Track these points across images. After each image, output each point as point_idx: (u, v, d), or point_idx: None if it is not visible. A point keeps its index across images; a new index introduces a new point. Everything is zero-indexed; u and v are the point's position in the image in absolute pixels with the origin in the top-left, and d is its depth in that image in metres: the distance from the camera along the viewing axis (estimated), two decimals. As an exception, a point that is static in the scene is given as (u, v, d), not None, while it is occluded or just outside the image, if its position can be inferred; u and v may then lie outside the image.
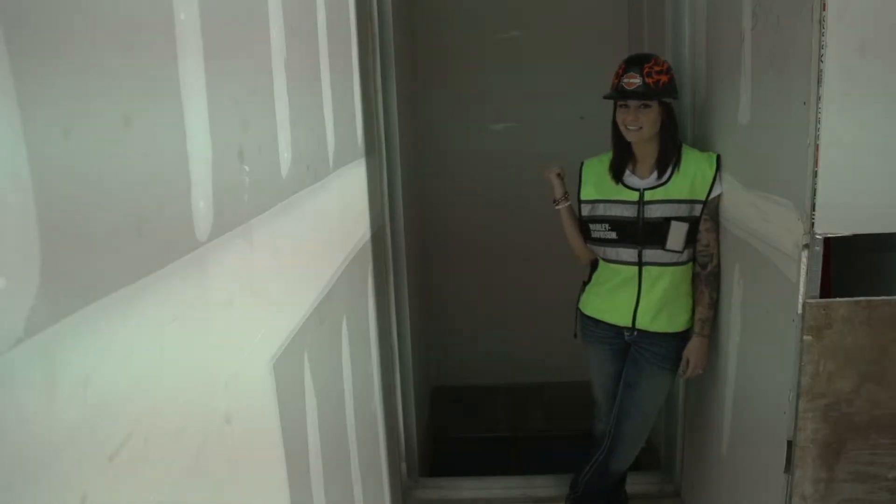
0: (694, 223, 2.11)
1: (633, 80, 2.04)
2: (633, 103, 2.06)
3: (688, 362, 2.21)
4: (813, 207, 1.49)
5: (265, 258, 1.14)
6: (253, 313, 1.08)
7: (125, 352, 0.70)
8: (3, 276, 0.52)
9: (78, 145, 0.63)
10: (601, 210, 2.20)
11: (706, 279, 2.15)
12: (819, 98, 1.45)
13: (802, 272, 1.54)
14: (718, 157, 2.10)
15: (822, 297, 1.54)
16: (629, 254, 2.18)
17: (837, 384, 1.56)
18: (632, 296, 2.21)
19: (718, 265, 2.14)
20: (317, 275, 1.51)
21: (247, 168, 1.05)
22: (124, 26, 0.72)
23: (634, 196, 2.14)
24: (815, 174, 1.48)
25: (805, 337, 1.55)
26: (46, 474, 0.58)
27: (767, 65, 1.73)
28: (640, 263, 2.17)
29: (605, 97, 2.15)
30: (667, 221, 2.10)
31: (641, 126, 2.06)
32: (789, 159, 1.60)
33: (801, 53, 1.51)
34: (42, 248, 0.57)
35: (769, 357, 1.76)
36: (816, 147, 1.47)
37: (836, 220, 1.50)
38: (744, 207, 1.94)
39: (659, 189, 2.12)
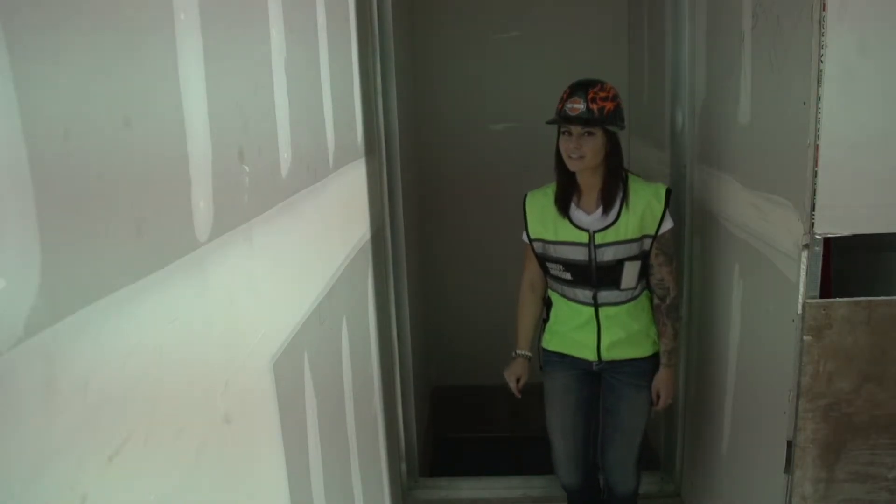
0: (645, 258, 2.06)
1: (577, 106, 1.93)
2: (575, 130, 1.95)
3: (657, 394, 2.16)
4: (813, 207, 1.49)
5: (265, 258, 1.14)
6: (253, 313, 1.08)
7: (125, 352, 0.70)
8: (3, 276, 0.52)
9: (78, 145, 0.63)
10: (552, 251, 2.12)
11: (667, 311, 2.11)
12: (819, 98, 1.45)
13: (802, 272, 1.54)
14: (668, 191, 2.04)
15: (822, 297, 1.54)
16: (585, 294, 2.11)
17: (837, 384, 1.56)
18: (592, 334, 2.15)
19: (678, 296, 2.13)
20: (317, 275, 1.51)
21: (247, 168, 1.05)
22: (124, 26, 0.72)
23: (584, 237, 2.05)
24: (815, 174, 1.48)
25: (805, 337, 1.55)
26: (46, 474, 0.58)
27: (767, 65, 1.73)
28: (596, 304, 2.11)
29: (548, 122, 2.04)
30: (620, 263, 2.04)
31: (584, 154, 1.95)
32: (789, 159, 1.60)
33: (801, 53, 1.51)
34: (42, 248, 0.57)
35: (769, 357, 1.76)
36: (816, 147, 1.47)
37: (836, 220, 1.50)
38: (744, 207, 1.94)
39: (609, 230, 2.03)
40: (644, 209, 2.02)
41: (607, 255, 2.03)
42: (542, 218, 2.12)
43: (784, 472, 1.64)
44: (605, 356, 2.15)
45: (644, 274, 2.08)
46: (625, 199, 2.02)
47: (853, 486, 1.61)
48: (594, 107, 1.93)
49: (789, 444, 1.62)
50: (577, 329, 2.16)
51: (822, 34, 1.42)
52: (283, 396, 1.20)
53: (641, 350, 2.15)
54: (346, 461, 1.75)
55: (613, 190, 2.02)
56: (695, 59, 2.40)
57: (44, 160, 0.57)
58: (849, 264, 1.81)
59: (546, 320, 2.29)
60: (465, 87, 3.82)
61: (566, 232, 2.07)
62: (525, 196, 2.20)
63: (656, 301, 2.13)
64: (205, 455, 0.87)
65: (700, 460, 2.47)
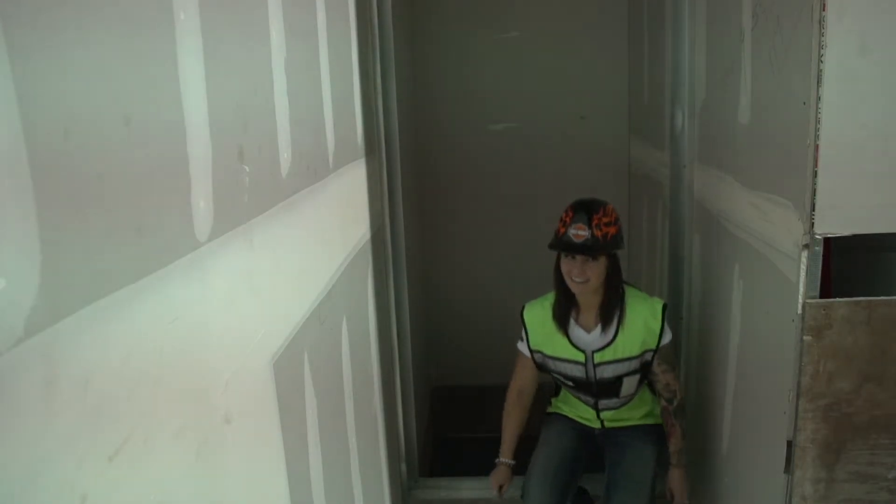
0: (646, 368, 2.12)
1: (582, 233, 1.94)
2: (580, 256, 1.97)
3: (671, 494, 2.20)
4: (813, 207, 1.49)
5: (265, 258, 1.14)
6: (253, 313, 1.08)
7: (125, 352, 0.70)
8: (3, 276, 0.52)
9: (78, 145, 0.63)
10: (551, 365, 2.18)
11: (675, 413, 2.15)
12: (819, 98, 1.45)
13: (802, 272, 1.54)
14: (664, 307, 2.09)
15: (821, 297, 1.54)
16: (586, 399, 2.22)
17: (837, 384, 1.56)
18: (596, 422, 2.27)
19: (683, 397, 2.18)
20: (317, 275, 1.51)
21: (247, 168, 1.05)
22: (124, 26, 0.72)
23: (581, 357, 2.10)
24: (815, 174, 1.48)
25: (805, 337, 1.54)
26: (46, 474, 0.58)
27: (767, 65, 1.73)
28: (598, 409, 2.22)
29: (551, 247, 2.04)
30: (619, 379, 2.11)
31: (588, 279, 1.98)
32: (789, 159, 1.60)
33: (800, 53, 1.51)
34: (42, 248, 0.57)
35: (769, 357, 1.75)
36: (816, 147, 1.47)
37: (836, 220, 1.50)
38: (743, 207, 1.94)
39: (607, 349, 2.07)
40: (642, 327, 2.07)
41: (607, 373, 2.10)
42: (542, 331, 2.16)
43: (784, 472, 1.64)
44: (609, 425, 2.25)
45: (643, 380, 2.17)
46: (621, 316, 2.07)
47: (853, 486, 1.61)
48: (598, 233, 1.95)
49: (789, 444, 1.62)
50: (581, 413, 2.29)
51: (822, 34, 1.42)
52: (283, 396, 1.20)
53: (645, 419, 2.25)
54: (346, 461, 1.75)
55: (612, 308, 2.07)
56: (695, 59, 2.40)
57: (44, 160, 0.57)
58: (849, 264, 1.81)
59: (555, 395, 2.39)
60: (465, 88, 3.82)
61: (564, 349, 2.12)
62: (523, 308, 2.22)
63: (664, 403, 2.17)
64: (205, 455, 0.87)
65: (700, 460, 2.47)
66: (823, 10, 1.40)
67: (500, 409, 4.07)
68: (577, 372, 2.12)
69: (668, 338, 2.10)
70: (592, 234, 1.94)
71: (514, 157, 3.87)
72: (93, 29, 0.66)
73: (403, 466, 2.76)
